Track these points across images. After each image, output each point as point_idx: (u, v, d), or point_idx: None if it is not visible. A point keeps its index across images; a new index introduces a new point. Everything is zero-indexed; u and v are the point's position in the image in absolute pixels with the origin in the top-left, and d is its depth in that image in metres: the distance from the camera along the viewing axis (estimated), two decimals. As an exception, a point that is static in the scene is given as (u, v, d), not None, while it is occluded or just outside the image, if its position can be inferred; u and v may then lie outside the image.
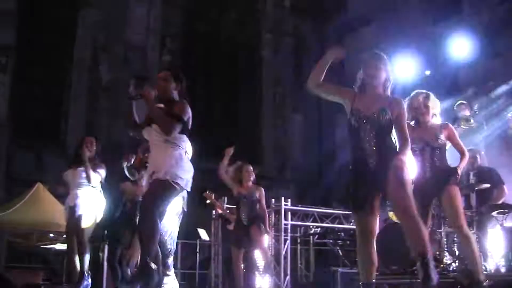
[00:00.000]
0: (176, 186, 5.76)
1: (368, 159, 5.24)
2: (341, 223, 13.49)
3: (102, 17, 20.33)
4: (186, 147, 6.04)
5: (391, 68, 5.53)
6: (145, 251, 5.71)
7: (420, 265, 4.99)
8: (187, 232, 8.73)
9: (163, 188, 5.71)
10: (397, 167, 5.04)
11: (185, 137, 5.91)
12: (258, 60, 24.42)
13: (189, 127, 5.96)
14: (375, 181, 5.14)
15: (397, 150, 5.22)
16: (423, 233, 5.02)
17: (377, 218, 5.26)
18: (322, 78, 5.65)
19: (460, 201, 6.42)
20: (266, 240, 10.20)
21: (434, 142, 6.64)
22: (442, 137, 6.68)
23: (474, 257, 6.40)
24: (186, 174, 5.81)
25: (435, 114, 6.90)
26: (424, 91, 7.01)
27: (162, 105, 6.01)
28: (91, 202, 8.73)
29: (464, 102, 10.50)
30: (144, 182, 6.84)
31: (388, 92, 5.46)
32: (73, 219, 8.67)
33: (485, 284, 6.33)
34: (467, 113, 10.10)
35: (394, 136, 5.32)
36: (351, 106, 5.42)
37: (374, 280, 5.26)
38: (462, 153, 6.85)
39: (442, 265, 8.39)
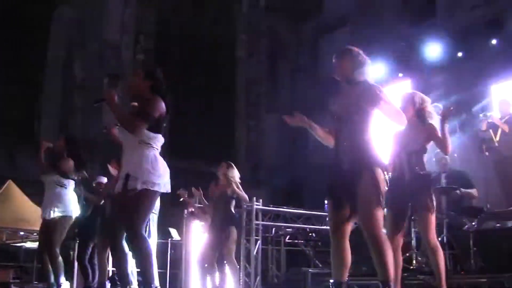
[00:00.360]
0: (155, 194, 5.70)
1: (342, 162, 5.23)
2: (313, 224, 13.51)
3: (77, 15, 20.21)
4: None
5: (360, 58, 5.43)
6: (148, 277, 5.61)
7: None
8: (158, 231, 8.69)
9: (143, 200, 5.60)
10: (368, 183, 5.01)
11: (160, 137, 5.81)
12: (233, 60, 24.41)
13: (163, 125, 5.87)
14: (347, 187, 5.12)
15: (372, 153, 5.18)
16: (386, 258, 4.98)
17: (351, 220, 5.24)
18: (326, 135, 5.53)
19: (432, 212, 6.40)
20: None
21: (409, 146, 6.61)
22: (421, 140, 6.62)
23: (440, 272, 6.40)
24: (163, 178, 5.71)
25: (421, 114, 6.79)
26: (413, 91, 7.00)
27: (136, 104, 5.96)
28: (63, 202, 8.60)
29: (439, 105, 10.56)
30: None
31: (363, 83, 5.32)
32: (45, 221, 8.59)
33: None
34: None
35: (370, 134, 5.27)
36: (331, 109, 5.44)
37: (345, 280, 5.25)
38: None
39: (412, 267, 8.45)
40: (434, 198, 6.40)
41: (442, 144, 6.58)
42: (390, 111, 5.16)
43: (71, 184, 8.64)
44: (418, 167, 6.49)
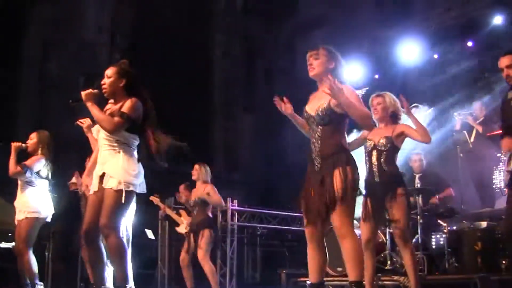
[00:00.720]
0: (131, 194, 5.68)
1: (314, 163, 5.25)
2: (288, 225, 13.54)
3: (53, 13, 20.05)
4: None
5: (332, 55, 5.45)
6: (122, 277, 5.61)
7: None
8: (133, 232, 8.64)
9: (119, 200, 5.58)
10: (338, 182, 5.03)
11: (136, 137, 5.82)
12: (209, 60, 24.36)
13: (141, 125, 5.85)
14: (320, 187, 5.13)
15: (343, 153, 5.19)
16: (357, 258, 5.03)
17: (326, 221, 5.24)
18: (303, 125, 5.55)
19: (405, 211, 6.42)
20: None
21: (382, 145, 6.63)
22: (393, 138, 6.63)
23: (412, 272, 6.44)
24: (138, 178, 5.74)
25: (395, 114, 6.86)
26: (385, 92, 7.02)
27: (112, 103, 5.94)
28: (34, 202, 8.49)
29: (418, 105, 10.61)
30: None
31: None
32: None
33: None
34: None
35: (342, 135, 5.29)
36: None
37: (322, 281, 5.27)
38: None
39: (387, 268, 8.48)
40: (405, 196, 6.47)
41: (420, 134, 6.58)
42: (358, 112, 5.14)
43: (43, 184, 8.53)
44: (387, 166, 6.52)
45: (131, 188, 5.64)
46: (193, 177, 10.17)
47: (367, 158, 6.75)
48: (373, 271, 6.57)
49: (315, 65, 5.39)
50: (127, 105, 5.69)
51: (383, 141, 6.62)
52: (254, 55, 24.78)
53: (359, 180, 5.18)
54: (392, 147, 6.63)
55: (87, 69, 18.10)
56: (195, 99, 23.17)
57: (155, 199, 11.44)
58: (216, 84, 24.28)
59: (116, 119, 5.61)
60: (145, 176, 5.86)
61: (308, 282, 5.32)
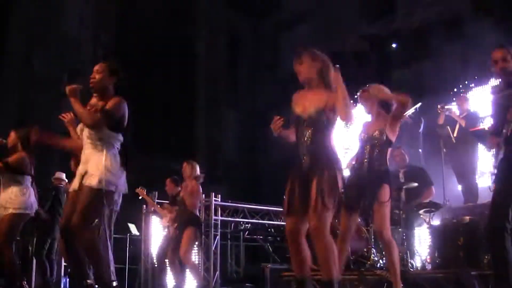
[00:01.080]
0: (110, 194, 5.66)
1: (301, 163, 5.26)
2: (271, 220, 13.56)
3: (36, 9, 19.95)
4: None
5: (315, 56, 5.42)
6: (101, 273, 5.59)
7: None
8: (117, 226, 8.64)
9: (98, 198, 5.57)
10: (320, 183, 5.03)
11: (120, 136, 5.81)
12: (193, 56, 24.32)
13: (124, 125, 5.85)
14: (305, 184, 5.15)
15: (330, 155, 5.21)
16: (330, 258, 5.01)
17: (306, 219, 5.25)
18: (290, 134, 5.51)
19: (386, 207, 6.43)
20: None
21: (373, 139, 6.62)
22: (385, 131, 6.57)
23: (394, 267, 6.44)
24: (119, 178, 5.73)
25: (386, 104, 6.75)
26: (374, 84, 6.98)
27: (96, 98, 5.93)
28: (18, 198, 8.44)
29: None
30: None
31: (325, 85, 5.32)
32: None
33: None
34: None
35: (330, 136, 5.30)
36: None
37: (307, 275, 5.28)
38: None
39: (369, 262, 8.51)
40: (389, 193, 6.43)
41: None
42: (342, 103, 5.17)
43: (26, 180, 8.47)
44: (377, 162, 6.52)
45: (111, 188, 5.63)
46: (183, 175, 10.16)
47: (359, 148, 6.74)
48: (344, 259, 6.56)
49: (301, 70, 5.39)
50: (111, 103, 5.68)
51: (376, 133, 6.59)
52: (237, 51, 24.78)
53: (343, 183, 5.20)
54: (386, 141, 6.57)
55: (71, 65, 18.04)
56: (179, 95, 23.14)
57: (141, 192, 11.42)
58: (199, 80, 24.25)
59: (98, 114, 5.60)
60: (130, 171, 5.84)
61: (294, 277, 5.33)
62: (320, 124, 5.22)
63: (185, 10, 23.92)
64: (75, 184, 5.80)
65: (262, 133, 19.25)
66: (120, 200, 6.40)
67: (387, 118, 6.60)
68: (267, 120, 5.57)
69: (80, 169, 5.80)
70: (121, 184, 5.76)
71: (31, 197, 8.46)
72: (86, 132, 5.78)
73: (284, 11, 22.61)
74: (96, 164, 5.62)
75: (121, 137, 5.80)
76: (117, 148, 5.77)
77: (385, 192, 6.40)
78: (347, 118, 5.22)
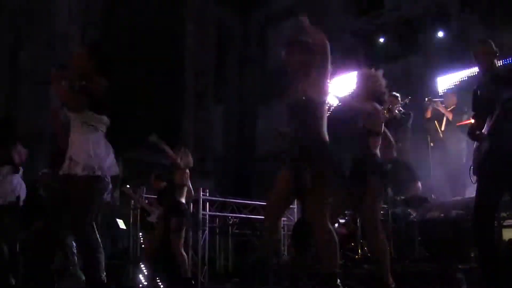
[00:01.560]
0: (98, 179, 5.57)
1: (292, 153, 5.26)
2: (259, 214, 13.57)
3: (24, 3, 19.85)
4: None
5: (303, 47, 5.42)
6: (93, 268, 5.54)
7: (325, 281, 5.03)
8: (105, 221, 8.61)
9: (86, 188, 5.51)
10: (314, 173, 5.03)
11: (105, 118, 5.74)
12: (181, 50, 24.28)
13: (108, 105, 5.79)
14: (295, 174, 5.14)
15: (321, 144, 5.20)
16: (330, 249, 5.04)
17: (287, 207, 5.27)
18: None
19: (377, 203, 6.40)
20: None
21: (358, 127, 6.58)
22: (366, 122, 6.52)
23: (383, 261, 6.43)
24: (105, 161, 5.64)
25: (376, 95, 6.67)
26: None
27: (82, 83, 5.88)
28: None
29: (395, 93, 10.67)
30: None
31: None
32: None
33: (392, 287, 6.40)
34: (395, 104, 10.28)
35: (321, 125, 5.28)
36: None
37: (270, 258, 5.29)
38: None
39: (357, 257, 8.54)
40: (375, 185, 6.36)
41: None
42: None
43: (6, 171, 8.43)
44: (360, 150, 6.47)
45: (97, 173, 5.55)
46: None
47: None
48: None
49: (290, 59, 5.39)
50: (93, 83, 5.63)
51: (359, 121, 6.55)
52: (225, 45, 24.75)
53: (335, 171, 5.20)
54: (365, 131, 6.51)
55: (59, 59, 17.96)
56: (167, 89, 23.10)
57: (127, 190, 11.41)
58: (187, 74, 24.21)
59: (80, 96, 5.56)
60: (118, 167, 5.80)
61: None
62: (308, 110, 5.23)
63: (173, 4, 23.88)
64: (64, 167, 5.70)
65: (250, 128, 19.27)
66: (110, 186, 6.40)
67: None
68: (255, 114, 5.57)
69: (67, 154, 5.73)
70: (108, 166, 5.69)
71: (22, 189, 8.47)
72: (71, 116, 5.73)
73: (272, 6, 22.60)
74: (78, 148, 5.57)
75: (106, 120, 5.73)
76: (102, 131, 5.70)
77: (373, 182, 6.35)
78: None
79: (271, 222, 5.36)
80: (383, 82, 6.67)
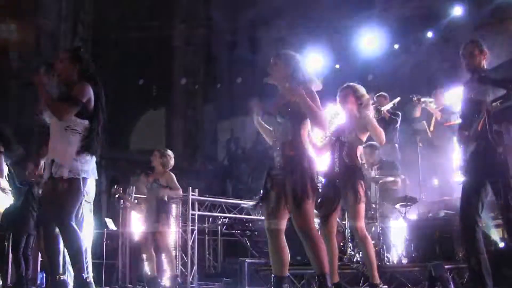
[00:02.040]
0: (82, 182, 5.63)
1: (277, 160, 5.28)
2: (249, 214, 13.56)
3: (12, 2, 19.81)
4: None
5: (296, 61, 5.45)
6: (77, 267, 5.56)
7: (318, 284, 5.07)
8: (94, 221, 8.59)
9: (70, 189, 5.56)
10: (298, 179, 5.07)
11: (87, 123, 5.75)
12: (170, 50, 24.29)
13: (91, 109, 5.79)
14: (281, 184, 5.18)
15: (304, 151, 5.23)
16: (320, 252, 5.08)
17: (286, 215, 5.28)
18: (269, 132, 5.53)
19: (360, 203, 6.43)
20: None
21: (344, 136, 6.63)
22: (356, 131, 6.59)
23: (370, 262, 6.46)
24: (88, 164, 5.70)
25: (362, 105, 6.69)
26: (351, 83, 6.96)
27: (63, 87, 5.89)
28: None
29: (384, 94, 10.69)
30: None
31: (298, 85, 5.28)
32: None
33: (380, 287, 6.44)
34: (384, 104, 10.30)
35: (303, 134, 5.31)
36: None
37: (286, 275, 5.31)
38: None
39: (345, 256, 8.55)
40: (362, 189, 6.43)
41: (374, 134, 6.61)
42: (314, 115, 5.19)
43: None
44: (348, 159, 6.53)
45: (82, 175, 5.60)
46: (155, 164, 10.08)
47: (330, 149, 6.75)
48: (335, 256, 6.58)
49: (273, 72, 5.42)
50: (76, 90, 5.65)
51: (346, 131, 6.63)
52: (215, 45, 24.77)
53: (318, 179, 5.25)
54: (355, 139, 6.61)
55: (48, 58, 17.94)
56: (156, 88, 23.12)
57: (116, 191, 11.38)
58: (176, 73, 24.23)
59: (65, 104, 5.58)
60: (107, 166, 5.83)
61: (273, 275, 5.35)
62: (291, 118, 5.27)
63: (164, 3, 23.88)
64: (45, 174, 5.75)
65: (238, 127, 19.28)
66: (93, 188, 6.42)
67: (358, 119, 6.61)
68: (243, 114, 5.60)
69: (48, 156, 5.76)
70: (91, 169, 5.72)
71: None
72: (53, 120, 5.74)
73: (261, 6, 22.60)
74: (62, 152, 5.59)
75: (86, 123, 5.73)
76: (82, 134, 5.69)
77: (357, 189, 6.41)
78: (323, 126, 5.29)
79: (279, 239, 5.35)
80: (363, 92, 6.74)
